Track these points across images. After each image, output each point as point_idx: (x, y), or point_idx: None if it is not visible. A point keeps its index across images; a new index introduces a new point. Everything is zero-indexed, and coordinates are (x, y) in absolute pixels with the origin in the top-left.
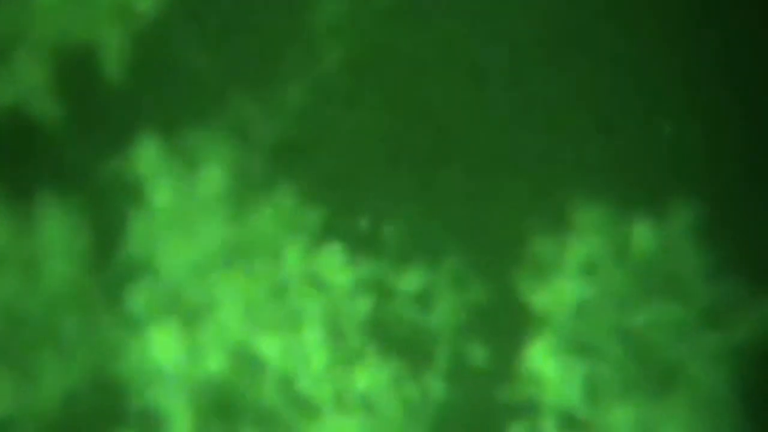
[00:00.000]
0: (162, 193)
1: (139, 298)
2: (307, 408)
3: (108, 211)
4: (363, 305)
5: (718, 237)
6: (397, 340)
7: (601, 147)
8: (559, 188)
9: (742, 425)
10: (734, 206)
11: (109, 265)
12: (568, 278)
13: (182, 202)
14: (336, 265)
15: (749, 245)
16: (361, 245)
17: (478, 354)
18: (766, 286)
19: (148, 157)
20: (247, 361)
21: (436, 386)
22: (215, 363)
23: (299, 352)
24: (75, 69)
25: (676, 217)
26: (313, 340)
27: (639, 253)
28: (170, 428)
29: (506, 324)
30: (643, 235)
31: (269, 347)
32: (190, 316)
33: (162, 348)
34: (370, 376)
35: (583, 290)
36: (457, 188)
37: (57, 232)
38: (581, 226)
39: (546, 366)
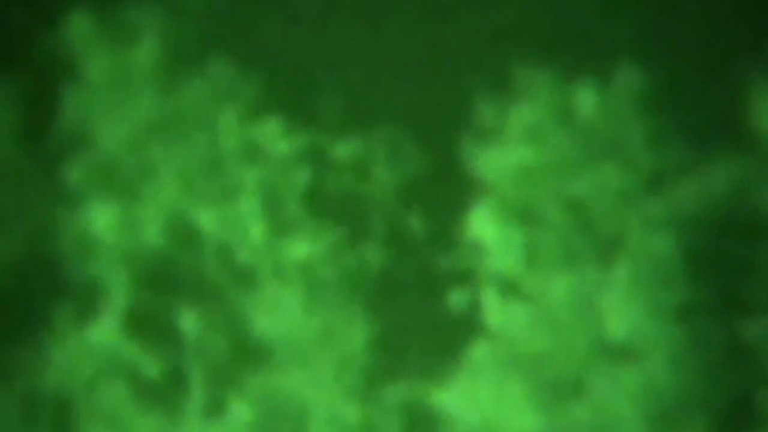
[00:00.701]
0: (96, 66)
1: (75, 171)
2: (245, 278)
3: (42, 86)
4: (301, 175)
5: (662, 103)
6: (335, 209)
7: (547, 10)
8: (503, 51)
9: (685, 292)
10: (679, 72)
11: (45, 139)
12: (511, 144)
13: (116, 75)
14: (273, 135)
15: (693, 111)
16: (298, 115)
17: (417, 222)
18: (709, 152)
19: (81, 30)
20: (185, 233)
21: (374, 255)
22: (153, 235)
23: (237, 223)
24: None
25: (621, 83)
26: (250, 210)
27: (583, 118)
28: (109, 299)
29: (446, 191)
30: (587, 100)
31: (207, 218)
32: (127, 188)
33: (99, 221)
34: (309, 246)
35: (525, 156)
36: (395, 53)
37: None
38: (525, 91)
39: (487, 233)
